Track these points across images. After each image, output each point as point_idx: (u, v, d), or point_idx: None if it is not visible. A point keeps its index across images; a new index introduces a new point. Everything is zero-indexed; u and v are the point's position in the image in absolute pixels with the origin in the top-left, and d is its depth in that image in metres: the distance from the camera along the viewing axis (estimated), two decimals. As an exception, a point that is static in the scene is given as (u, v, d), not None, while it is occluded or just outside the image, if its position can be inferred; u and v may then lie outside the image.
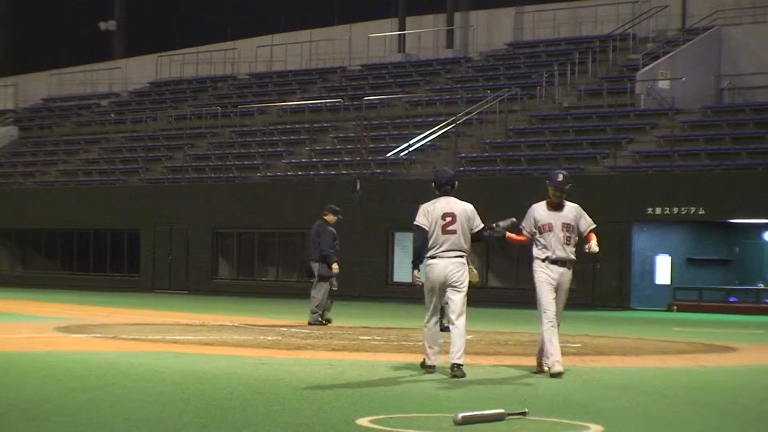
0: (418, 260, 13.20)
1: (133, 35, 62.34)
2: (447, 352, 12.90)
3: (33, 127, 57.14)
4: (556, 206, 13.24)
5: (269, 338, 18.03)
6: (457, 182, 13.43)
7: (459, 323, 12.90)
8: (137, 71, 57.88)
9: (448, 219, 13.07)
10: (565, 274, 13.10)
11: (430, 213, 13.19)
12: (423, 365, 13.20)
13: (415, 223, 13.26)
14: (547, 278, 13.13)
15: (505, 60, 48.23)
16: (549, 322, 13.09)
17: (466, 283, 12.98)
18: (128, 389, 10.96)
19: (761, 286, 35.62)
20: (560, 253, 13.04)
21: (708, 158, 36.00)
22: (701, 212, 34.11)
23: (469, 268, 16.65)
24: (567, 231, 13.11)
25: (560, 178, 13.12)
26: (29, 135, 56.46)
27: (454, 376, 12.53)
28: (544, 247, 13.11)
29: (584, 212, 13.23)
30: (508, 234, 13.33)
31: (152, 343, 16.57)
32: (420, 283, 13.23)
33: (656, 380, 13.05)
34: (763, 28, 43.05)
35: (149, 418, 9.11)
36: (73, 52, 61.02)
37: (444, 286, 12.99)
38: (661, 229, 35.62)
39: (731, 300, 35.54)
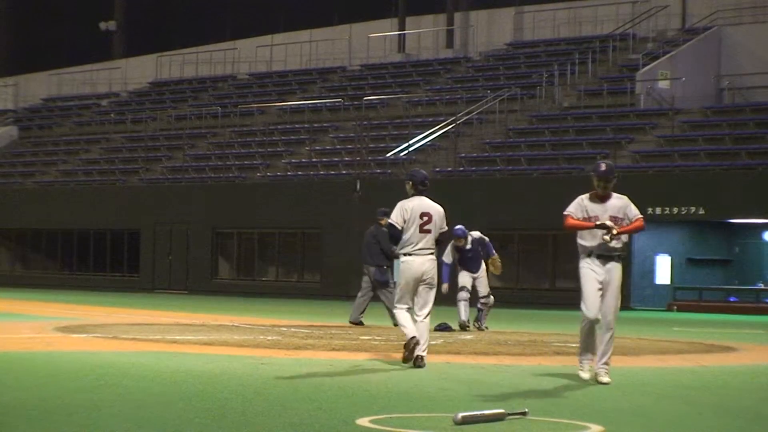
0: (389, 246, 14.47)
1: (133, 35, 62.36)
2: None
3: (33, 127, 57.15)
4: (602, 198, 12.46)
5: (269, 338, 18.03)
6: (428, 182, 13.97)
7: (426, 318, 13.71)
8: (137, 71, 57.89)
9: (425, 219, 13.62)
10: (612, 269, 12.16)
11: (408, 211, 13.66)
12: (406, 346, 13.72)
13: (390, 221, 13.79)
14: (592, 274, 12.16)
15: (505, 60, 48.24)
16: (588, 319, 12.05)
17: (436, 280, 13.76)
18: (128, 389, 10.96)
19: (761, 286, 35.63)
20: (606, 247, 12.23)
21: (708, 158, 36.00)
22: (701, 212, 34.11)
23: (492, 260, 20.04)
24: (614, 224, 12.27)
25: (603, 168, 12.43)
26: (29, 135, 56.46)
27: (417, 366, 13.44)
28: (590, 240, 12.33)
29: (631, 203, 12.45)
30: (579, 223, 12.47)
31: (152, 343, 16.57)
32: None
33: (656, 380, 13.04)
34: (763, 28, 43.06)
35: (149, 418, 9.10)
36: (73, 52, 61.05)
37: (418, 282, 13.59)
38: (661, 229, 35.63)
39: (731, 300, 35.55)
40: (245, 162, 45.31)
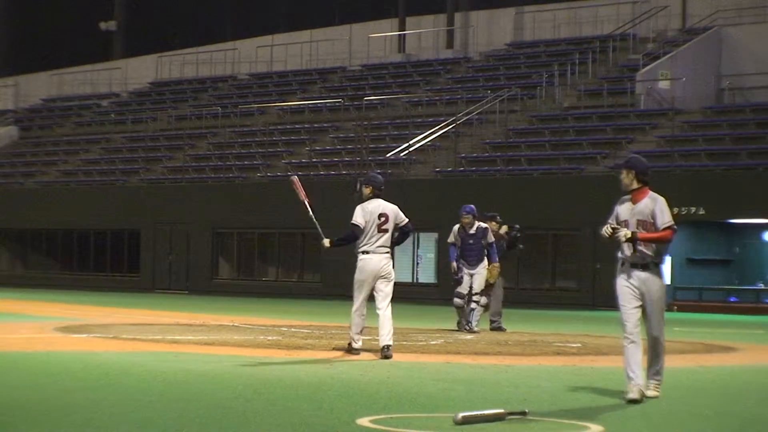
0: (339, 243, 15.19)
1: (133, 35, 62.35)
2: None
3: (33, 127, 57.16)
4: (633, 197, 11.04)
5: (269, 338, 18.03)
6: (384, 187, 15.27)
7: (387, 309, 14.79)
8: (137, 71, 57.88)
9: (383, 219, 14.92)
10: (648, 280, 10.87)
11: (367, 213, 14.95)
12: (349, 350, 15.02)
13: (353, 222, 14.94)
14: (626, 285, 10.89)
15: (505, 60, 48.24)
16: (626, 337, 10.73)
17: (393, 275, 14.90)
18: (128, 389, 10.96)
19: (761, 286, 35.63)
20: (630, 254, 10.93)
21: (708, 158, 36.00)
22: (701, 212, 34.11)
23: (494, 265, 19.90)
24: (643, 228, 10.98)
25: (626, 159, 11.14)
26: (29, 135, 56.47)
27: (385, 357, 14.45)
28: (619, 248, 11.05)
29: (665, 207, 11.14)
30: (639, 234, 10.89)
31: (152, 343, 16.57)
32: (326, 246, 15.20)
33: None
34: (763, 28, 43.05)
35: (149, 418, 9.11)
36: (73, 52, 61.04)
37: (376, 278, 14.81)
38: (661, 229, 35.59)
39: (731, 300, 35.55)
40: (245, 162, 45.31)
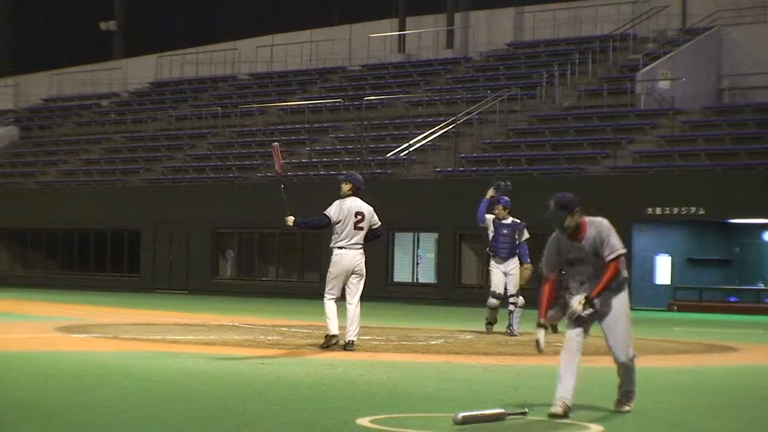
0: (303, 224, 15.73)
1: (133, 35, 62.34)
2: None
3: (33, 127, 57.14)
4: (576, 236, 9.75)
5: (269, 338, 18.03)
6: (363, 187, 15.86)
7: (357, 306, 15.62)
8: (137, 71, 57.87)
9: (359, 217, 15.55)
10: (605, 301, 9.88)
11: (344, 209, 15.56)
12: (327, 341, 15.53)
13: (326, 212, 15.58)
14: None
15: (505, 60, 48.24)
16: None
17: (365, 272, 15.66)
18: (128, 389, 10.96)
19: (761, 286, 35.64)
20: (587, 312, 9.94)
21: (708, 158, 36.00)
22: (701, 212, 34.11)
23: (525, 267, 19.22)
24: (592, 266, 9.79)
25: (551, 205, 9.73)
26: (29, 135, 56.46)
27: (347, 350, 15.24)
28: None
29: (612, 230, 9.78)
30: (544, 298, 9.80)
31: (152, 343, 16.57)
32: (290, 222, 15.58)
33: (656, 380, 13.04)
34: (763, 28, 43.05)
35: (149, 418, 9.11)
36: (73, 52, 61.00)
37: (349, 273, 15.56)
38: (661, 229, 35.64)
39: (731, 300, 35.55)
40: (245, 162, 45.30)
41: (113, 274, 45.37)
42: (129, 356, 14.67)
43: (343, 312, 15.57)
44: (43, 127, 56.85)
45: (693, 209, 34.11)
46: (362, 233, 15.56)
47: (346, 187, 15.70)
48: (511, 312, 19.59)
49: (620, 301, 9.90)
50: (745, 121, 37.95)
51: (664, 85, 40.64)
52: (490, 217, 19.89)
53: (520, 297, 19.62)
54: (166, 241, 43.75)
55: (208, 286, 42.18)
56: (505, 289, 19.62)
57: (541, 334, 9.68)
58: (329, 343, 15.49)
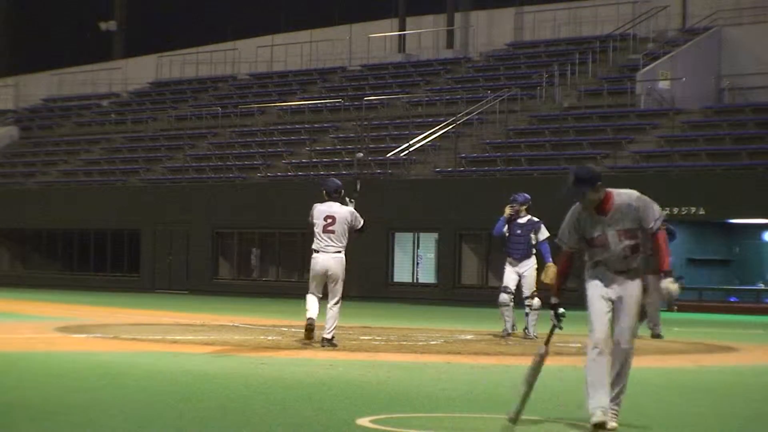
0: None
1: (133, 35, 62.35)
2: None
3: (33, 128, 57.14)
4: (602, 208, 9.06)
5: (269, 338, 18.03)
6: (342, 191, 16.51)
7: (335, 307, 15.98)
8: (137, 71, 57.87)
9: (329, 221, 16.12)
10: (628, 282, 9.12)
11: (317, 213, 16.36)
12: (307, 329, 16.03)
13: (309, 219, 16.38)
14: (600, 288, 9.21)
15: (505, 60, 48.23)
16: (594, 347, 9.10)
17: (342, 275, 16.04)
18: (128, 389, 10.96)
19: (761, 286, 35.63)
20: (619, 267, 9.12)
21: (708, 158, 35.99)
22: (701, 212, 34.11)
23: (549, 266, 18.15)
24: (626, 239, 9.00)
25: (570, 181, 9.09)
26: (29, 135, 56.45)
27: (324, 347, 15.71)
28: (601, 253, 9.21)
29: (648, 199, 9.00)
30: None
31: (152, 343, 16.57)
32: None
33: (656, 380, 13.04)
34: (763, 28, 43.04)
35: (149, 418, 9.11)
36: (73, 52, 61.01)
37: (324, 276, 16.07)
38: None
39: (731, 300, 35.55)
40: (245, 162, 45.30)
41: (113, 275, 45.36)
42: (129, 356, 14.67)
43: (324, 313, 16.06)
44: (43, 127, 56.84)
45: (693, 209, 34.10)
46: (334, 236, 16.07)
47: (324, 193, 16.50)
48: (527, 315, 18.75)
49: (637, 286, 9.06)
50: (745, 121, 37.94)
51: (664, 85, 40.63)
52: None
53: (536, 299, 18.51)
54: (166, 241, 43.74)
55: (208, 286, 42.17)
56: (520, 290, 18.76)
57: (558, 311, 9.28)
58: (307, 330, 15.97)
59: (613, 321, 9.03)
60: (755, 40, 42.55)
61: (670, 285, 8.94)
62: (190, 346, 16.30)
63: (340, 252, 16.10)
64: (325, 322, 16.00)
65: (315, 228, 16.27)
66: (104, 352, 15.19)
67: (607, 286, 9.04)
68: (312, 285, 16.23)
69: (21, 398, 10.21)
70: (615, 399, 9.05)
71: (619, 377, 9.09)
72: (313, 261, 16.22)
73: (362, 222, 16.39)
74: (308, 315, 16.06)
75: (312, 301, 16.14)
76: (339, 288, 16.08)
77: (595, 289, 9.10)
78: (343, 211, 16.25)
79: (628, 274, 8.97)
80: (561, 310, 9.29)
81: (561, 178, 28.77)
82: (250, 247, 43.29)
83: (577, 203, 9.10)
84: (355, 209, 16.70)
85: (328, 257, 16.06)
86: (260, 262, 43.08)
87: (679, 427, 9.38)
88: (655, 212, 8.83)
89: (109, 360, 14.10)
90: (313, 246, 16.26)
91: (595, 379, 8.89)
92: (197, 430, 8.60)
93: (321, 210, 16.28)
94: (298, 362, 14.12)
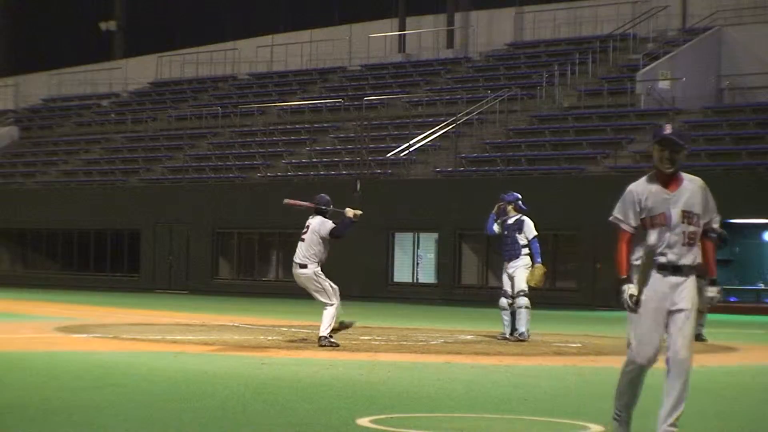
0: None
1: (133, 35, 62.33)
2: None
3: (33, 127, 57.14)
4: (668, 181, 8.20)
5: (269, 338, 18.03)
6: (331, 206, 16.94)
7: (325, 309, 16.38)
8: (137, 71, 57.87)
9: (304, 230, 16.71)
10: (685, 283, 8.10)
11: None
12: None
13: None
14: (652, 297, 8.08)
15: (505, 60, 48.23)
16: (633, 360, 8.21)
17: (312, 285, 16.42)
18: (128, 389, 10.96)
19: (761, 286, 35.63)
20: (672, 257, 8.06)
21: (708, 158, 35.98)
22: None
23: (536, 267, 18.03)
24: (689, 224, 8.11)
25: (668, 129, 8.22)
26: (29, 135, 56.46)
27: (321, 346, 16.03)
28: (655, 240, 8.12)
29: (709, 191, 8.29)
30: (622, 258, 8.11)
31: (152, 343, 16.57)
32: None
33: (656, 380, 13.03)
34: (763, 28, 43.03)
35: (149, 418, 9.11)
36: (73, 52, 61.02)
37: (301, 283, 16.62)
38: (661, 229, 35.58)
39: (731, 300, 35.54)
40: (245, 162, 45.30)
41: (113, 274, 45.36)
42: (129, 356, 14.67)
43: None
44: (43, 127, 56.84)
45: (693, 209, 34.05)
46: (303, 245, 16.57)
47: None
48: (516, 315, 18.17)
49: (693, 288, 8.03)
50: (745, 121, 37.93)
51: (664, 85, 40.63)
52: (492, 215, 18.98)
53: (523, 298, 17.95)
54: (166, 241, 43.74)
55: (208, 286, 42.17)
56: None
57: (630, 288, 7.90)
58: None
59: (668, 329, 7.99)
60: (755, 40, 42.55)
61: (716, 294, 8.26)
62: (190, 346, 16.30)
63: (304, 267, 16.50)
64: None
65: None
66: (104, 352, 15.19)
67: (659, 293, 7.96)
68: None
69: (21, 398, 10.21)
70: (671, 414, 8.15)
71: (680, 394, 8.08)
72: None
73: (331, 228, 16.58)
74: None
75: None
76: (318, 296, 16.49)
77: (646, 303, 7.96)
78: (315, 222, 16.65)
79: (683, 272, 7.96)
80: (632, 288, 7.93)
81: (561, 180, 28.38)
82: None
83: (637, 182, 8.35)
84: (356, 207, 17.17)
85: (296, 267, 16.68)
86: (264, 263, 43.11)
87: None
88: (714, 209, 8.14)
89: (109, 360, 14.09)
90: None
91: (630, 401, 8.26)
92: (197, 430, 8.60)
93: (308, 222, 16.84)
94: (298, 362, 14.12)
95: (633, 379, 8.19)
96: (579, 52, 43.92)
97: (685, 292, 7.97)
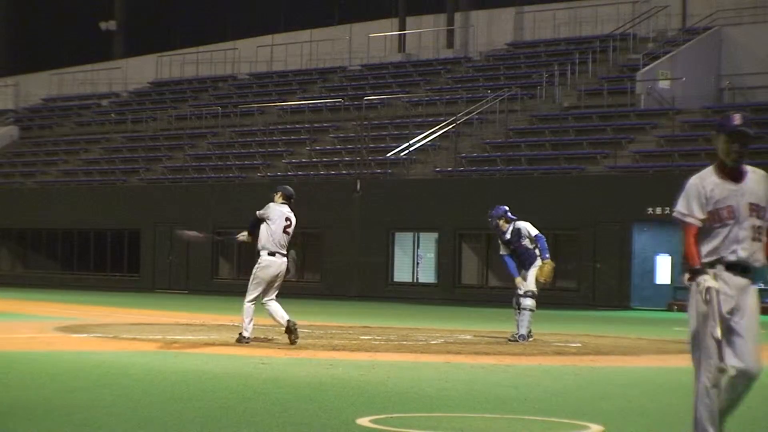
0: (250, 231, 16.76)
1: (133, 35, 62.35)
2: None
3: (33, 127, 57.15)
4: (734, 174, 8.11)
5: (269, 338, 18.03)
6: (293, 199, 16.68)
7: (275, 298, 16.29)
8: (137, 71, 57.89)
9: (288, 222, 16.29)
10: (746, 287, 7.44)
11: (277, 212, 16.39)
12: (240, 339, 16.42)
13: (258, 212, 16.65)
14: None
15: (505, 60, 48.23)
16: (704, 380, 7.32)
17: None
18: (128, 389, 10.96)
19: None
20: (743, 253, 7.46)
21: (708, 158, 35.95)
22: (701, 212, 34.08)
23: (544, 263, 17.73)
24: (756, 217, 7.72)
25: (738, 120, 8.00)
26: (29, 135, 56.46)
27: (242, 343, 16.16)
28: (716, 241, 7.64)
29: None
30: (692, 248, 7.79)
31: (152, 343, 16.57)
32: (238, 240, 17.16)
33: (656, 380, 13.04)
34: (763, 28, 43.05)
35: (149, 418, 9.11)
36: (73, 52, 61.02)
37: (277, 278, 16.23)
38: (661, 229, 35.62)
39: (731, 300, 35.52)
40: (245, 162, 45.31)
41: (113, 274, 45.37)
42: (129, 356, 14.67)
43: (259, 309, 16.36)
44: (43, 127, 56.85)
45: (693, 209, 34.07)
46: (288, 238, 16.28)
47: (277, 197, 16.62)
48: (518, 314, 17.97)
49: (755, 292, 7.36)
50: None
51: (664, 85, 40.64)
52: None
53: (529, 300, 17.76)
54: (166, 241, 43.74)
55: (208, 286, 42.18)
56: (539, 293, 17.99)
57: (706, 280, 7.23)
58: (292, 328, 16.10)
59: (728, 339, 7.19)
60: (755, 40, 42.56)
61: None
62: (190, 346, 16.30)
63: (286, 255, 16.38)
64: (277, 311, 16.23)
65: (270, 226, 16.25)
66: (104, 352, 15.19)
67: (721, 296, 7.25)
68: (257, 290, 16.35)
69: (21, 398, 10.21)
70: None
71: (735, 406, 7.37)
72: (267, 263, 16.24)
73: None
74: (246, 333, 16.42)
75: (251, 316, 16.50)
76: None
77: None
78: (292, 216, 16.46)
79: (748, 274, 7.31)
80: (709, 280, 7.25)
81: (561, 180, 28.36)
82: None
83: (699, 174, 7.95)
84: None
85: (283, 261, 16.29)
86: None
87: (679, 427, 9.38)
88: None
89: (109, 360, 14.09)
90: (269, 248, 16.23)
91: (709, 421, 7.24)
92: (197, 430, 8.60)
93: (280, 211, 16.35)
94: (298, 362, 14.12)
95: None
96: (579, 52, 43.93)
97: (749, 297, 7.29)
